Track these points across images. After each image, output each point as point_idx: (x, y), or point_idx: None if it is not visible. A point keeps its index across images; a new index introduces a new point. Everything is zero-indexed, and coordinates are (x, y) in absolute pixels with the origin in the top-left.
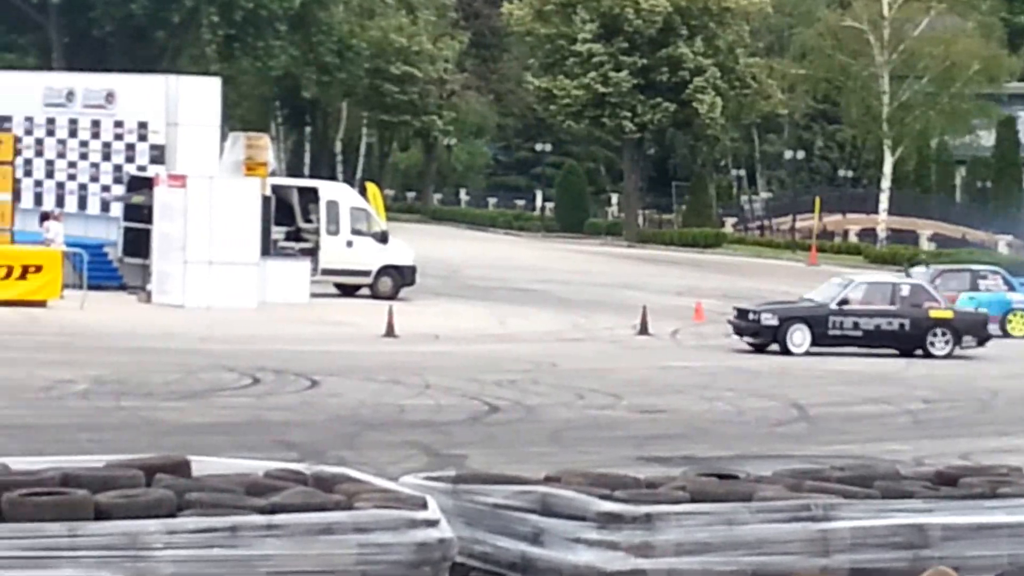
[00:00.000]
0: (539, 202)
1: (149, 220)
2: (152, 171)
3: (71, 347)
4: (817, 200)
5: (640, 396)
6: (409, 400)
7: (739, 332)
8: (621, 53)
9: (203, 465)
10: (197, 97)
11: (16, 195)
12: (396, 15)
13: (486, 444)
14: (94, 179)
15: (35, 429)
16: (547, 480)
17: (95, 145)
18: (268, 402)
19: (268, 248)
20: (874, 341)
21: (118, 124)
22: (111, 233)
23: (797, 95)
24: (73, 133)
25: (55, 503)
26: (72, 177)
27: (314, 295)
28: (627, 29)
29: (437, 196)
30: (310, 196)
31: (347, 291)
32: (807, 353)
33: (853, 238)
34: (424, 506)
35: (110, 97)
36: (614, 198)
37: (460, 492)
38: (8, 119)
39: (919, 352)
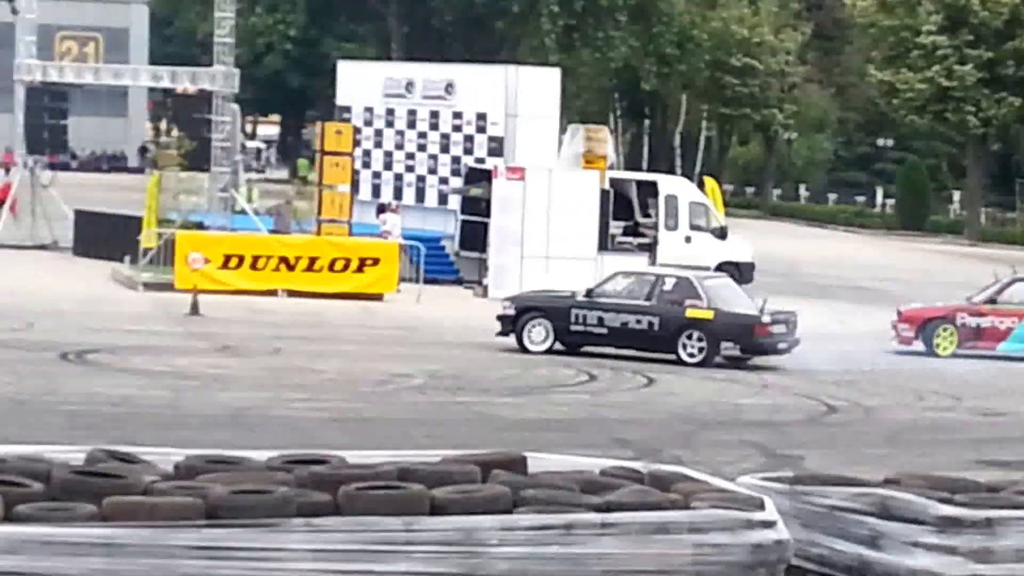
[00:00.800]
0: (879, 199)
1: (487, 213)
2: (490, 163)
3: (407, 341)
4: None
5: (981, 399)
6: (746, 399)
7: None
8: (966, 46)
9: (539, 462)
10: (536, 88)
11: (354, 186)
12: (737, 6)
13: (823, 445)
14: (432, 171)
15: (371, 423)
16: (886, 483)
17: (433, 136)
18: (604, 399)
19: (605, 242)
20: (620, 340)
21: (457, 115)
22: (448, 226)
23: None
24: (412, 124)
25: (391, 498)
26: (410, 169)
27: None
28: (972, 21)
29: (776, 191)
30: (649, 190)
31: None
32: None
33: None
34: (761, 507)
35: (449, 88)
36: (956, 195)
37: (797, 493)
38: (348, 109)
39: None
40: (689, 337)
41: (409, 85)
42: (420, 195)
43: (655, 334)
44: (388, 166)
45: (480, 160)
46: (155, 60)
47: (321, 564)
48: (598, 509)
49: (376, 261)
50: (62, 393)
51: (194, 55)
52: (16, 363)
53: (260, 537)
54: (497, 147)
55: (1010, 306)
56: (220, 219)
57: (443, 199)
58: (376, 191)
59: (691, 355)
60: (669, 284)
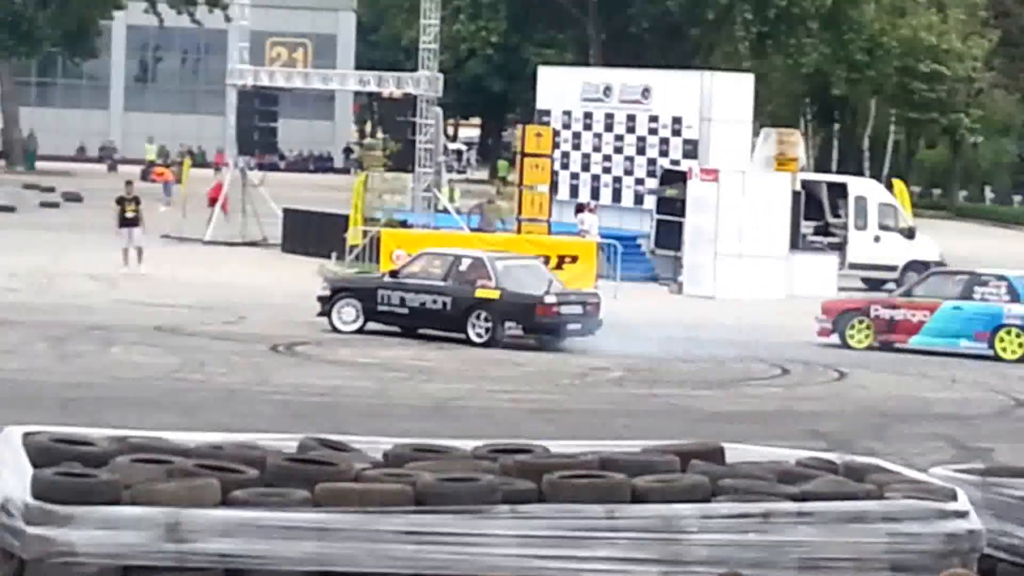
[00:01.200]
0: None
1: (681, 213)
2: (685, 165)
3: (605, 335)
4: None
5: None
6: (934, 393)
7: None
8: None
9: (736, 452)
10: (730, 93)
11: (553, 187)
12: (926, 13)
13: (1013, 438)
14: (628, 172)
15: (571, 414)
16: None
17: (630, 139)
18: (797, 392)
19: (797, 242)
20: (420, 321)
21: (653, 119)
22: (644, 225)
23: None
24: (609, 127)
25: (594, 485)
26: (607, 170)
27: (841, 289)
28: None
29: (962, 193)
30: (839, 191)
31: (874, 285)
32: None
33: None
34: (954, 497)
35: (646, 93)
36: None
37: (989, 485)
38: (547, 113)
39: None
40: (477, 317)
41: (607, 90)
42: (617, 195)
43: (447, 314)
44: (586, 167)
45: (675, 162)
46: (361, 65)
47: (525, 550)
48: (794, 498)
49: (574, 259)
50: (273, 383)
51: (398, 60)
52: (229, 355)
53: (466, 523)
54: (692, 149)
55: (923, 299)
56: (423, 218)
57: (639, 199)
58: (574, 191)
59: (478, 335)
60: (465, 264)
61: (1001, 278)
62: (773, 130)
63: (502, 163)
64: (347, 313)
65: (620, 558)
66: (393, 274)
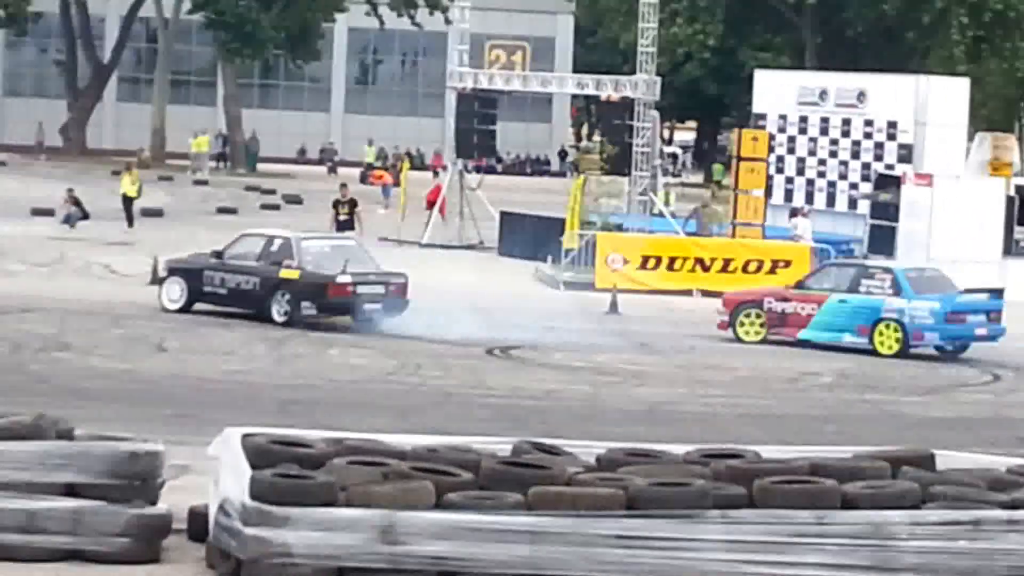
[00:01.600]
0: None
1: (895, 218)
2: (899, 170)
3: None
4: None
5: None
6: None
7: None
8: None
9: (946, 459)
10: (945, 97)
11: (767, 191)
12: None
13: None
14: (842, 176)
15: (783, 419)
16: None
17: (844, 144)
18: (1008, 399)
19: (1010, 247)
20: (236, 301)
21: (868, 123)
22: (857, 230)
23: None
24: (824, 131)
25: (804, 491)
26: (821, 175)
27: None
28: None
29: None
30: None
31: None
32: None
33: None
34: None
35: (861, 96)
36: None
37: None
38: (763, 117)
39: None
40: (280, 297)
41: (823, 94)
42: (831, 200)
43: (256, 294)
44: (800, 171)
45: (890, 166)
46: (578, 68)
47: (736, 555)
48: (1005, 506)
49: (788, 263)
50: (487, 386)
51: (615, 63)
52: (445, 357)
53: (678, 528)
54: (906, 154)
55: (814, 292)
56: (639, 221)
57: (853, 204)
58: (788, 196)
59: (280, 314)
60: (276, 245)
61: (887, 271)
62: (988, 134)
63: (717, 167)
64: (172, 291)
65: (830, 564)
66: (217, 255)
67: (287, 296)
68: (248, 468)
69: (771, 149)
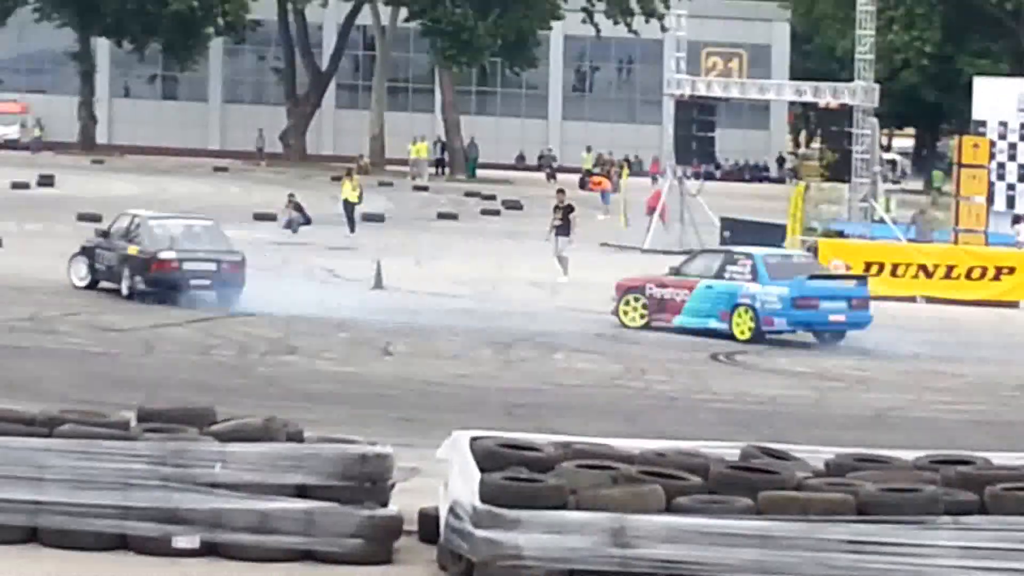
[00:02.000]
0: None
1: None
2: None
3: None
4: None
5: None
6: None
7: None
8: None
9: None
10: None
11: (989, 198)
12: None
13: None
14: None
15: (1012, 426)
16: None
17: None
18: None
19: None
20: (110, 277)
21: None
22: None
23: None
24: None
25: None
26: None
27: None
28: None
29: None
30: None
31: None
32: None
33: None
34: None
35: None
36: None
37: None
38: (983, 124)
39: None
40: (126, 273)
41: None
42: None
43: (116, 270)
44: (1022, 178)
45: None
46: (794, 75)
47: (968, 561)
48: None
49: (1012, 270)
50: (712, 391)
51: (832, 70)
52: (669, 362)
53: (909, 533)
54: None
55: (687, 278)
56: (860, 228)
57: None
58: (1011, 202)
59: (126, 289)
60: (133, 224)
61: (748, 256)
62: None
63: (937, 173)
64: (79, 270)
65: None
66: (104, 234)
67: (128, 272)
68: (477, 471)
69: (992, 156)
